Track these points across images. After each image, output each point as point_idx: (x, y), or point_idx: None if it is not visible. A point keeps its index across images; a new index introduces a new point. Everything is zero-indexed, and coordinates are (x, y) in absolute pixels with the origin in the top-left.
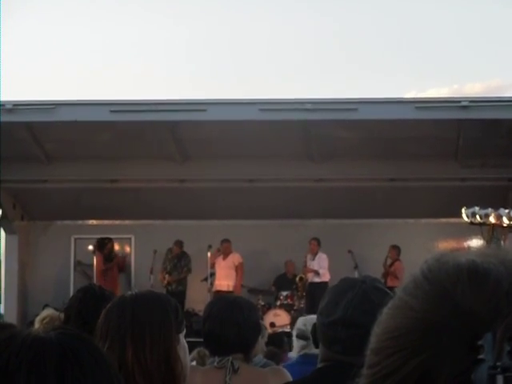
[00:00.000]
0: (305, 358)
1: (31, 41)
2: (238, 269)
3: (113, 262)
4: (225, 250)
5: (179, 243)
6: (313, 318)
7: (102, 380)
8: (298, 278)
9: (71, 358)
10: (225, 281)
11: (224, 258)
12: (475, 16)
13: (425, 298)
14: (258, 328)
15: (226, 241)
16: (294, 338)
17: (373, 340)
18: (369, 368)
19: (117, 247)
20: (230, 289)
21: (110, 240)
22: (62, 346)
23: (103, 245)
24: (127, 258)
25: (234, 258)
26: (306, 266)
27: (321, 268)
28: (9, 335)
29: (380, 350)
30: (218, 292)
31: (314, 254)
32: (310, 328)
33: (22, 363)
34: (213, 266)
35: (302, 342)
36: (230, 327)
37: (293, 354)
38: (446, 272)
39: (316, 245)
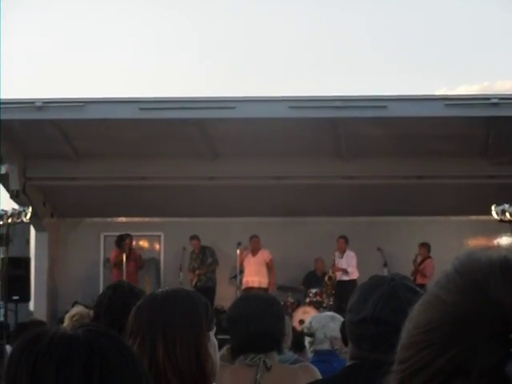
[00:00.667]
0: (318, 356)
1: (61, 38)
2: (270, 266)
3: (130, 259)
4: (254, 245)
5: (196, 237)
6: (321, 316)
7: (130, 377)
8: (327, 278)
9: (99, 356)
10: (256, 277)
11: (254, 255)
12: (506, 13)
13: (456, 291)
14: (284, 322)
15: (254, 236)
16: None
17: (404, 336)
18: (400, 363)
19: (145, 244)
20: (262, 285)
21: (129, 236)
22: (89, 344)
23: (121, 241)
24: (156, 256)
25: (264, 255)
26: (334, 264)
27: (349, 266)
28: (37, 333)
29: (411, 345)
30: (249, 289)
31: (342, 252)
32: (315, 325)
33: (50, 361)
34: (242, 263)
35: (308, 339)
36: (263, 324)
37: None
38: (478, 266)
39: (344, 243)
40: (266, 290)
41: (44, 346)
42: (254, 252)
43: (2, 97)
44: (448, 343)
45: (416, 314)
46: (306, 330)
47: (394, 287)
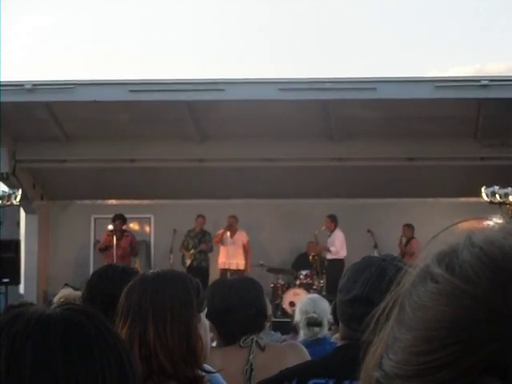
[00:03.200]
0: (310, 339)
1: (51, 21)
2: (246, 248)
3: (121, 240)
4: (230, 225)
5: (203, 217)
6: (317, 301)
7: (109, 354)
8: (311, 257)
9: (76, 334)
10: (233, 259)
11: (231, 236)
12: None
13: (489, 287)
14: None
15: (232, 216)
16: (302, 325)
17: (417, 326)
18: (417, 355)
19: (136, 227)
20: (240, 267)
21: (119, 218)
22: (66, 322)
23: (113, 221)
24: (146, 238)
25: (242, 236)
26: (317, 243)
27: (332, 245)
28: (15, 314)
29: (432, 338)
30: (226, 270)
31: (331, 231)
32: (320, 314)
33: (28, 342)
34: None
35: (306, 329)
36: (255, 308)
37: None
38: (509, 259)
39: (330, 222)
40: (242, 272)
41: (21, 326)
42: (232, 233)
43: None
44: (481, 341)
45: (433, 304)
46: (310, 321)
47: (383, 267)
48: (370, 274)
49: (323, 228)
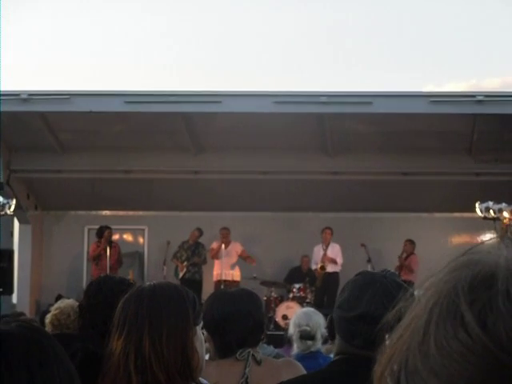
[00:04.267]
0: (304, 352)
1: (47, 31)
2: (244, 256)
3: (108, 252)
4: (224, 237)
5: (199, 230)
6: (311, 315)
7: (64, 371)
8: (319, 267)
9: (36, 351)
10: (229, 270)
11: (225, 248)
12: (494, 11)
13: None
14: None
15: (224, 228)
16: (295, 337)
17: (441, 375)
18: None
19: (129, 238)
20: (235, 278)
21: (108, 228)
22: (26, 340)
23: (101, 232)
24: (140, 250)
25: (236, 247)
26: (325, 254)
27: (337, 257)
28: None
29: None
30: (221, 281)
31: (327, 244)
32: (313, 327)
33: None
34: (214, 255)
35: (299, 342)
36: (253, 320)
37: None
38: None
39: (330, 233)
40: (238, 283)
41: None
42: (226, 245)
43: None
44: None
45: (458, 358)
46: (303, 334)
47: (386, 285)
48: (374, 292)
49: (321, 245)
